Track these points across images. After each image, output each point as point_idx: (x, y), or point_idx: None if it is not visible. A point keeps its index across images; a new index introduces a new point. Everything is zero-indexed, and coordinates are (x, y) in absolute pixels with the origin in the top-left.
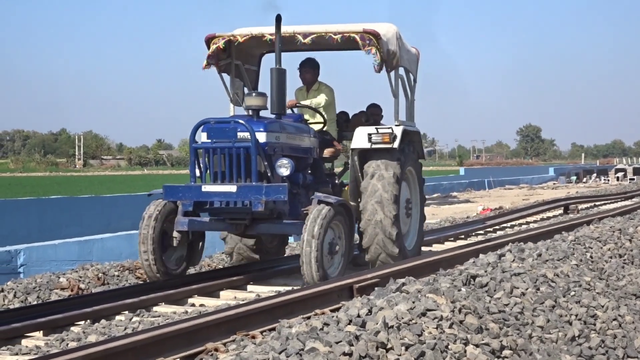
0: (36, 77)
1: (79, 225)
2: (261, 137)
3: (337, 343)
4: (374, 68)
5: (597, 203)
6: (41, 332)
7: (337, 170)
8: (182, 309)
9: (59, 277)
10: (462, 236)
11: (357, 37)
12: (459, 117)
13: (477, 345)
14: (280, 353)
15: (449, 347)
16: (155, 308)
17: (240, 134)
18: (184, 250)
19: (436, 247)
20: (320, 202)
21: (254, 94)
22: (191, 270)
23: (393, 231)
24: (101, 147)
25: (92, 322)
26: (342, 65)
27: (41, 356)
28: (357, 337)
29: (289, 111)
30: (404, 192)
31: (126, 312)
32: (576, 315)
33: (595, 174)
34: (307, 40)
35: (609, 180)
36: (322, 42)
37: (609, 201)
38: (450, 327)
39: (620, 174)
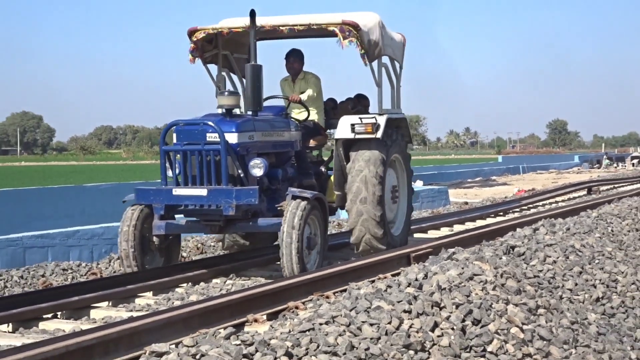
0: (143, 79)
1: None
2: (232, 138)
3: (398, 302)
4: (364, 60)
5: (616, 185)
6: (151, 292)
7: (326, 158)
8: (269, 273)
9: None
10: (501, 213)
11: (337, 30)
12: (498, 112)
13: (516, 305)
14: (351, 310)
15: (493, 306)
16: (245, 273)
17: (209, 136)
18: (162, 253)
19: (480, 223)
20: (294, 197)
21: (226, 93)
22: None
23: (377, 212)
24: None
25: (193, 284)
26: (327, 51)
27: (151, 312)
28: (415, 297)
29: (267, 103)
30: (390, 178)
31: (221, 276)
32: (600, 280)
33: (612, 160)
34: (286, 30)
35: (625, 166)
36: (303, 31)
37: (626, 184)
38: (494, 289)
39: (635, 161)
